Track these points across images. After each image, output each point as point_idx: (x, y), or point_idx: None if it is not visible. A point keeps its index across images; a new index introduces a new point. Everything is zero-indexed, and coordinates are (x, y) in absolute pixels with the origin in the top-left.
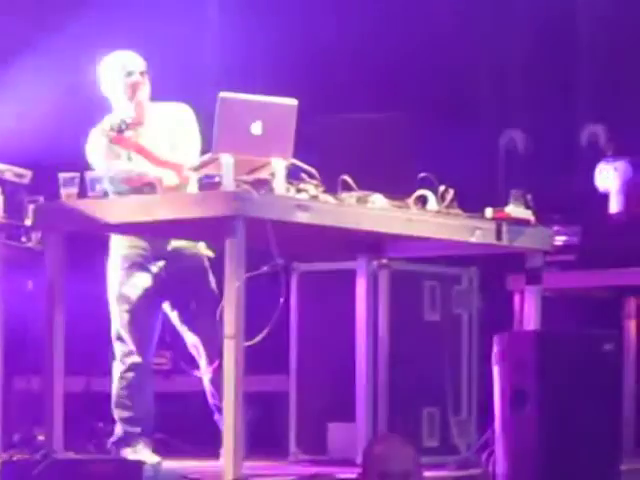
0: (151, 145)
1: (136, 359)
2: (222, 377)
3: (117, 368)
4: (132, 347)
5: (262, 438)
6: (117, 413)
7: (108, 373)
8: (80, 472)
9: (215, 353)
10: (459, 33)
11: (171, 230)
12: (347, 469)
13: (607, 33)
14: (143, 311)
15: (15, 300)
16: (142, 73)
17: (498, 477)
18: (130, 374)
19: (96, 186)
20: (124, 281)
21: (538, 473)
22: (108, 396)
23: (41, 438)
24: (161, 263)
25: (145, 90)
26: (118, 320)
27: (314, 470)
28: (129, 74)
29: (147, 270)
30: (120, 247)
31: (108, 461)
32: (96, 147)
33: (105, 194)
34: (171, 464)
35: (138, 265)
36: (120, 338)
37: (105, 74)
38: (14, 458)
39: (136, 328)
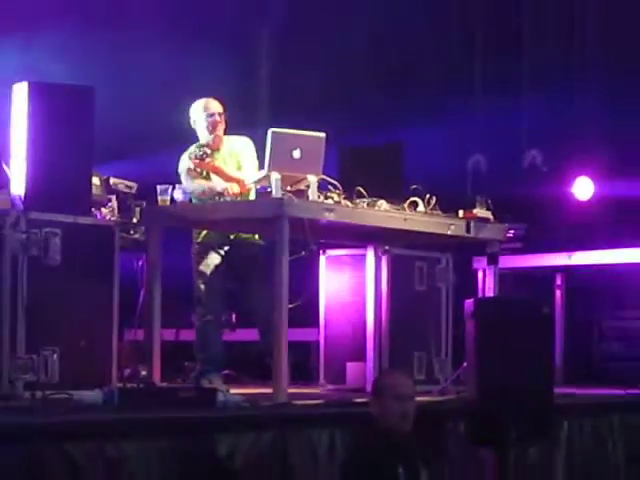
0: (223, 165)
1: (210, 317)
2: (273, 330)
3: (198, 323)
4: (208, 309)
5: (300, 373)
6: (197, 355)
7: (192, 326)
8: (171, 397)
9: (264, 317)
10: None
11: (235, 226)
12: (360, 395)
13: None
14: (215, 283)
15: (126, 275)
16: (220, 114)
17: (467, 400)
18: (206, 327)
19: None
20: (201, 261)
21: (494, 397)
22: (192, 343)
23: (144, 373)
24: (227, 248)
25: (222, 127)
26: (197, 289)
27: (337, 396)
28: (211, 115)
29: (218, 253)
30: (199, 237)
31: (191, 389)
32: (184, 168)
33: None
34: (236, 391)
35: (211, 249)
36: (199, 302)
37: (194, 114)
38: (126, 387)
39: (210, 295)
